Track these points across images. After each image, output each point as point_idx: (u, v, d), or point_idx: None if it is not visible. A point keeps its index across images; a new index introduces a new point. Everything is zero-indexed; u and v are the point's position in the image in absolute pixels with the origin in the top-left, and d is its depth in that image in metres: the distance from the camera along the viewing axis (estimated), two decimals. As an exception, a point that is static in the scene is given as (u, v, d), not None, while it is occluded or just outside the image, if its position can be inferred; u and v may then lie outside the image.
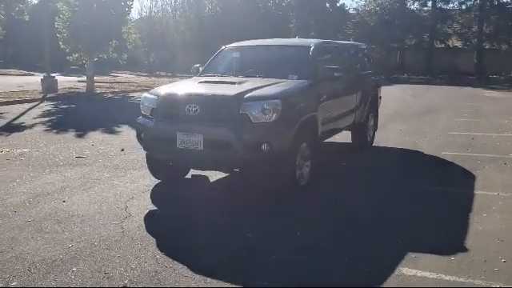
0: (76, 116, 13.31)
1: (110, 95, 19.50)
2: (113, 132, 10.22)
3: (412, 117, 12.89)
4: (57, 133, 10.03)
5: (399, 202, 5.60)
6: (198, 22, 39.10)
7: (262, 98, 5.17)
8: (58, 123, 11.54)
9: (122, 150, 8.27)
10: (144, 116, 5.75)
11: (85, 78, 21.24)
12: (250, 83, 5.62)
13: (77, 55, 20.98)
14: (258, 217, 5.02)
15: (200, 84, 5.88)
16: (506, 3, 32.68)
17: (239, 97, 5.13)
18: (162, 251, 4.08)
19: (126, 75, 32.46)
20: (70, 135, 9.73)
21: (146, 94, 5.83)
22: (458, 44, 34.55)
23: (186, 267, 3.76)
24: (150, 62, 41.79)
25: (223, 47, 7.22)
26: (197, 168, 6.02)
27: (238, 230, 4.64)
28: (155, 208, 5.24)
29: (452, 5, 35.03)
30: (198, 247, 4.22)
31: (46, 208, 5.16)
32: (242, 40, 7.59)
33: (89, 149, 8.33)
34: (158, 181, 6.18)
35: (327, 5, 37.40)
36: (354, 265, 3.88)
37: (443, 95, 19.79)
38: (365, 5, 36.76)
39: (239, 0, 37.65)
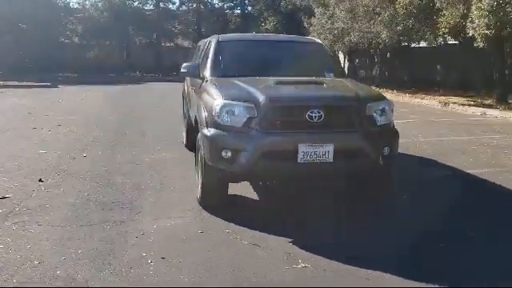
0: None
1: None
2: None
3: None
4: None
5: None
6: None
7: (377, 98, 4.81)
8: None
9: (41, 180, 6.02)
10: (224, 128, 4.42)
11: None
12: (332, 82, 5.07)
13: None
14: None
15: (284, 86, 4.89)
16: (222, 7, 36.33)
17: (359, 98, 4.63)
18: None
19: None
20: None
21: (226, 101, 4.41)
22: (186, 43, 36.42)
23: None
24: None
25: (218, 40, 6.07)
26: (318, 182, 5.25)
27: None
28: (290, 238, 4.18)
29: (173, 6, 36.63)
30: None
31: (154, 274, 3.52)
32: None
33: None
34: (207, 208, 4.86)
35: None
36: None
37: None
38: (87, -1, 34.45)
39: None
